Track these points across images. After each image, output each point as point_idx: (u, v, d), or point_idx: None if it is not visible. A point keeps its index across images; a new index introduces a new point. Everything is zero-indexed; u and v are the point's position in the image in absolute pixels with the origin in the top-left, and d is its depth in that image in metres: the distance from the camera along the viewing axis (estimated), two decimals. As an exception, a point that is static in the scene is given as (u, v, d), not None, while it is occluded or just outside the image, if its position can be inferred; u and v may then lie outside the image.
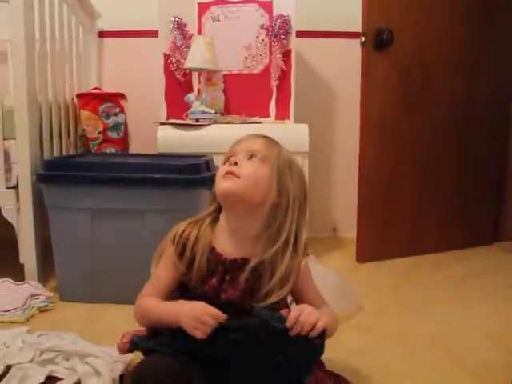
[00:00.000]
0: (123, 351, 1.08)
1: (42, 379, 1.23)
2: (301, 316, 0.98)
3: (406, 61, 2.38)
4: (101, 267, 1.81)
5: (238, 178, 1.06)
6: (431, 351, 1.51)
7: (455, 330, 1.67)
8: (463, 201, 2.63)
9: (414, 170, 2.48)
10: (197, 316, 0.98)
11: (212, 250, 1.10)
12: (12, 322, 1.66)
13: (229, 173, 1.07)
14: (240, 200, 1.07)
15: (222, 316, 0.99)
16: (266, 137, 1.14)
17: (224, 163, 1.13)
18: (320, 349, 1.03)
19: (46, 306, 1.80)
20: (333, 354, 1.46)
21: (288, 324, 0.97)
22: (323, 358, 1.11)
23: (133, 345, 1.06)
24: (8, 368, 1.27)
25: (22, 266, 1.98)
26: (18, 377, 1.22)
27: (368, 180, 2.38)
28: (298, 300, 1.15)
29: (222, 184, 1.08)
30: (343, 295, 1.79)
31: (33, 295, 1.81)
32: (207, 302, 1.05)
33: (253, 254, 1.09)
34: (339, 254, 2.59)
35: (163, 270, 1.13)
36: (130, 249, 1.77)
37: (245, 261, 1.08)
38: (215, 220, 1.15)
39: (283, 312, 1.01)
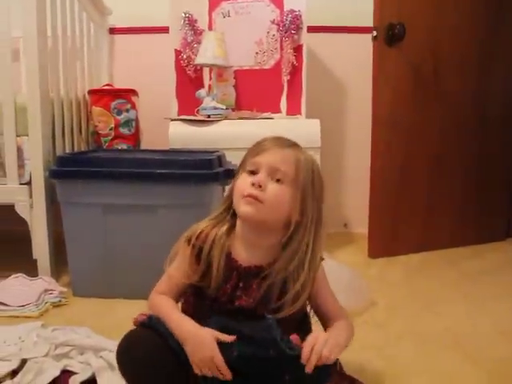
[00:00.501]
0: (136, 322, 1.07)
1: (57, 373, 1.24)
2: (315, 346, 0.95)
3: (417, 56, 2.36)
4: (113, 262, 1.82)
5: (262, 202, 1.01)
6: (444, 347, 1.51)
7: (468, 325, 1.66)
8: (476, 196, 2.61)
9: (425, 165, 2.46)
10: (204, 360, 0.97)
11: (228, 255, 1.07)
12: (26, 317, 1.67)
13: (252, 197, 1.01)
14: (260, 223, 1.05)
15: (227, 374, 0.97)
16: (292, 147, 1.07)
17: (243, 171, 1.07)
18: (329, 372, 1.01)
19: (60, 301, 1.81)
20: (345, 349, 1.47)
21: (303, 360, 0.95)
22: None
23: (149, 320, 1.06)
24: (23, 362, 1.29)
25: (35, 261, 1.99)
26: (34, 371, 1.23)
27: (380, 176, 2.37)
28: (313, 304, 1.14)
29: (244, 207, 1.02)
30: (356, 290, 1.79)
31: (46, 290, 1.82)
32: (221, 307, 1.05)
33: (267, 262, 1.06)
34: (351, 249, 2.58)
35: (177, 270, 1.11)
36: (142, 244, 1.78)
37: (259, 269, 1.06)
38: (233, 225, 1.10)
39: (294, 339, 1.00)
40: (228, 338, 0.98)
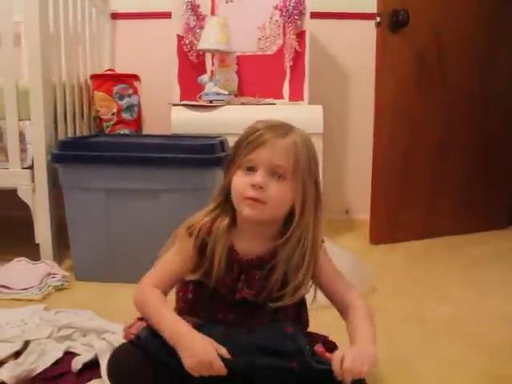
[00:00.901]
0: (127, 338, 1.01)
1: (60, 354, 1.25)
2: (344, 362, 0.90)
3: (421, 42, 2.35)
4: (115, 247, 1.82)
5: (265, 204, 0.98)
6: (446, 332, 1.51)
7: (470, 311, 1.67)
8: (478, 184, 2.61)
9: (428, 151, 2.46)
10: (201, 363, 0.90)
11: (230, 248, 1.04)
12: (29, 300, 1.68)
13: (254, 200, 0.97)
14: (264, 220, 1.02)
15: (224, 372, 0.90)
16: (289, 133, 1.00)
17: (237, 167, 1.01)
18: None
19: (62, 284, 1.82)
20: (346, 334, 1.47)
21: (337, 376, 0.90)
22: (335, 337, 1.11)
23: (138, 340, 0.98)
24: (26, 344, 1.29)
25: (38, 245, 1.99)
26: (37, 352, 1.24)
27: (382, 162, 2.37)
28: (319, 284, 1.10)
29: (247, 211, 0.99)
30: (357, 275, 1.79)
31: (49, 274, 1.82)
32: (221, 299, 1.03)
33: (269, 251, 1.04)
34: (352, 235, 2.58)
35: (174, 259, 1.06)
36: (144, 228, 1.78)
37: (261, 260, 1.04)
38: (233, 217, 1.06)
39: (320, 351, 0.97)
40: (225, 354, 0.92)
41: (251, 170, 0.98)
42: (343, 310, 1.09)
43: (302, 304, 1.13)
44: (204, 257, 1.03)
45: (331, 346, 1.06)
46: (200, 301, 1.07)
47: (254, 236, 1.05)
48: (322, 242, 1.10)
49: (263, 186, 0.96)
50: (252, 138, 0.99)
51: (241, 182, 0.99)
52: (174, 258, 1.06)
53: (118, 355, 1.02)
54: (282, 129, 1.01)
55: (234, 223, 1.06)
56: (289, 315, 1.07)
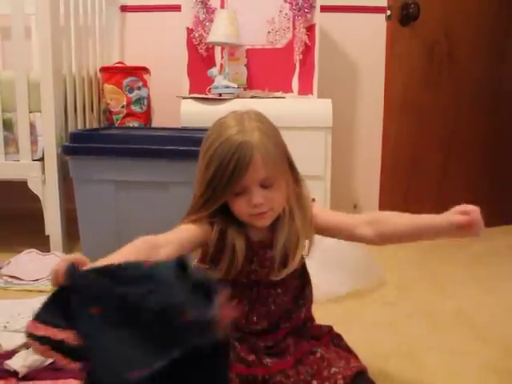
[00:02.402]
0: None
1: (71, 345, 1.26)
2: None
3: (431, 36, 2.35)
4: (125, 239, 1.80)
5: (271, 211, 1.02)
6: (454, 325, 1.52)
7: (478, 305, 1.67)
8: (487, 179, 2.60)
9: (437, 146, 2.46)
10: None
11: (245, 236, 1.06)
12: (40, 291, 1.69)
13: (260, 214, 1.01)
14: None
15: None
16: (261, 134, 0.99)
17: (229, 192, 1.00)
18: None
19: (72, 276, 1.83)
20: (355, 326, 1.48)
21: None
22: (343, 330, 1.12)
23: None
24: (37, 333, 1.30)
25: (48, 237, 2.01)
26: (48, 342, 1.25)
27: (391, 156, 2.37)
28: (325, 232, 1.11)
29: (260, 223, 1.03)
30: (366, 269, 1.80)
31: (59, 266, 1.84)
32: (236, 282, 1.04)
33: (271, 230, 1.06)
34: (361, 230, 2.58)
35: (186, 227, 1.04)
36: (154, 221, 1.76)
37: (269, 240, 1.06)
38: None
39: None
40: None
41: (243, 190, 1.00)
42: (357, 231, 1.08)
43: (305, 279, 1.14)
44: (221, 251, 1.03)
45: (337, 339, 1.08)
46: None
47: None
48: (313, 200, 1.12)
49: (263, 202, 0.99)
50: (237, 160, 0.97)
51: (243, 206, 1.01)
52: (186, 226, 1.05)
53: None
54: (250, 130, 1.00)
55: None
56: (292, 287, 1.09)
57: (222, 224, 1.04)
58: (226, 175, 0.97)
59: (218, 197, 1.01)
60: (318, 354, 1.03)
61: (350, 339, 1.14)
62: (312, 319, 1.14)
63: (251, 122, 1.02)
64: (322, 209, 1.14)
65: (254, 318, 1.06)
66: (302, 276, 1.13)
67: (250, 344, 1.04)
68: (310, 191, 1.12)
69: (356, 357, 1.09)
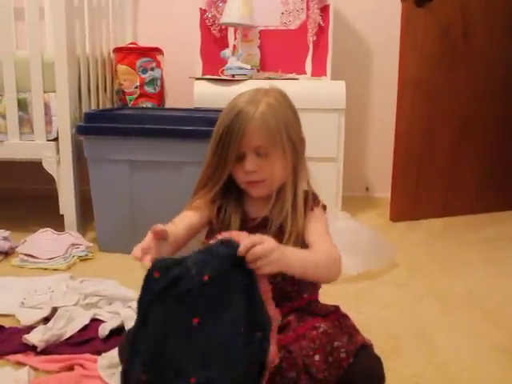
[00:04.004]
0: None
1: (87, 321, 1.29)
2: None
3: (447, 17, 2.31)
4: (139, 218, 1.85)
5: (264, 181, 1.05)
6: (464, 306, 1.52)
7: (488, 287, 1.68)
8: (500, 163, 2.58)
9: (450, 129, 2.44)
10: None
11: (242, 212, 1.10)
12: (55, 270, 1.72)
13: (254, 182, 1.06)
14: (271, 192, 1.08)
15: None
16: (259, 109, 1.02)
17: (229, 156, 1.03)
18: None
19: (86, 255, 1.85)
20: (367, 307, 1.49)
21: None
22: (355, 310, 1.12)
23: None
24: (54, 310, 1.33)
25: (62, 217, 2.03)
26: (65, 318, 1.27)
27: (404, 139, 2.35)
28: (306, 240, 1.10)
29: (253, 192, 1.07)
30: (377, 251, 1.80)
31: (73, 244, 1.86)
32: None
33: (269, 211, 1.07)
34: (373, 213, 2.58)
35: (190, 213, 1.12)
36: (168, 200, 1.79)
37: (266, 220, 1.07)
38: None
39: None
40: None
41: (242, 156, 1.04)
42: None
43: None
44: (219, 222, 1.09)
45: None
46: None
47: (258, 200, 1.10)
48: (324, 208, 1.12)
49: (255, 169, 1.03)
50: (235, 123, 1.02)
51: (240, 173, 1.06)
52: (190, 212, 1.12)
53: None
54: (255, 101, 1.04)
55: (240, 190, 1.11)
56: None
57: (221, 200, 1.09)
58: (226, 140, 1.03)
59: (221, 164, 1.05)
60: (321, 330, 1.03)
61: (361, 319, 1.14)
62: (317, 301, 1.15)
63: (264, 96, 1.05)
64: (319, 219, 1.11)
65: None
66: None
67: None
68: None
69: (360, 333, 1.09)
